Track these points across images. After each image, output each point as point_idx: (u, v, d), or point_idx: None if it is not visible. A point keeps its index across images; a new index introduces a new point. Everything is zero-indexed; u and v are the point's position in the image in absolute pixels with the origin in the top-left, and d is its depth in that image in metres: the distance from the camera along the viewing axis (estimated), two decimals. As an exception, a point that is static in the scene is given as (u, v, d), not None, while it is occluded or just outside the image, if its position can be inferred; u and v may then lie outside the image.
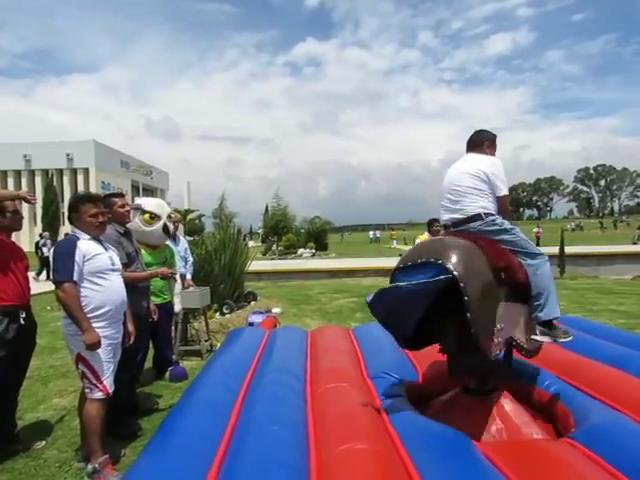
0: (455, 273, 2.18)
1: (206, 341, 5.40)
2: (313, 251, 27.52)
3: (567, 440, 2.22)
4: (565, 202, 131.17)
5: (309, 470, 1.86)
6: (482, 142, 2.88)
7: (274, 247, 28.75)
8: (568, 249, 13.47)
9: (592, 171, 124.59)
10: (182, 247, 5.53)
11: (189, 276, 5.52)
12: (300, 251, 27.17)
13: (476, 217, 2.62)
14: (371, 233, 51.98)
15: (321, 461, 1.91)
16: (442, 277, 2.18)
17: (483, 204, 2.63)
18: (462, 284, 2.17)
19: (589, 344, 3.55)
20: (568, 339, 2.63)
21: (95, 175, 36.99)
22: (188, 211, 19.73)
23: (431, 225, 6.23)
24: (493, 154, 2.89)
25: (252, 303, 8.37)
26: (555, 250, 12.76)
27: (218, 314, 7.30)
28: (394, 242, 37.49)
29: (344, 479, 1.74)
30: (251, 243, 30.60)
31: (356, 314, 7.91)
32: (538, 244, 24.71)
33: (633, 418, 2.32)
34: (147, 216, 4.24)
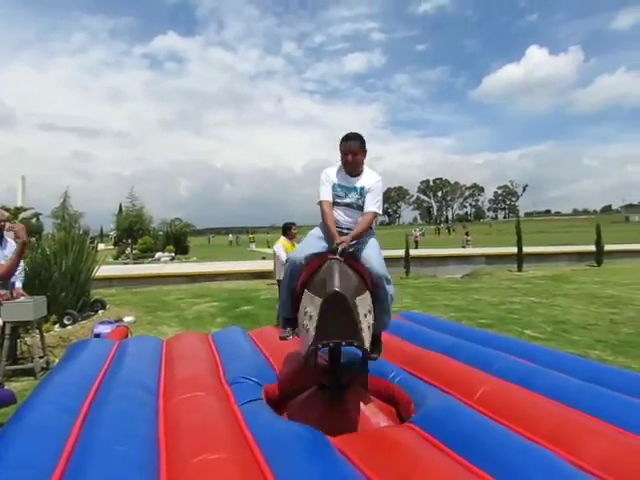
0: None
1: (41, 358, 4.74)
2: (172, 255, 26.16)
3: (408, 425, 2.45)
4: (410, 210, 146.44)
5: (159, 489, 1.74)
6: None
7: (128, 250, 26.61)
8: (412, 252, 15.03)
9: (432, 183, 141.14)
10: (9, 250, 4.75)
11: (19, 284, 4.78)
12: (158, 255, 25.61)
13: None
14: (231, 236, 51.66)
15: (173, 477, 1.80)
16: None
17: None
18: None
19: (427, 336, 3.98)
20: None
21: None
22: (20, 209, 17.11)
23: (287, 229, 6.45)
24: None
25: (100, 312, 7.63)
26: (402, 253, 14.17)
27: (57, 326, 6.50)
28: (252, 245, 37.25)
29: (197, 493, 1.66)
30: (101, 246, 27.90)
31: (217, 319, 7.73)
32: (417, 247, 27.28)
33: (461, 400, 2.66)
34: None
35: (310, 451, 2.01)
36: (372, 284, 2.60)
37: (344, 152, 2.77)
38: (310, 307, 2.39)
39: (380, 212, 2.80)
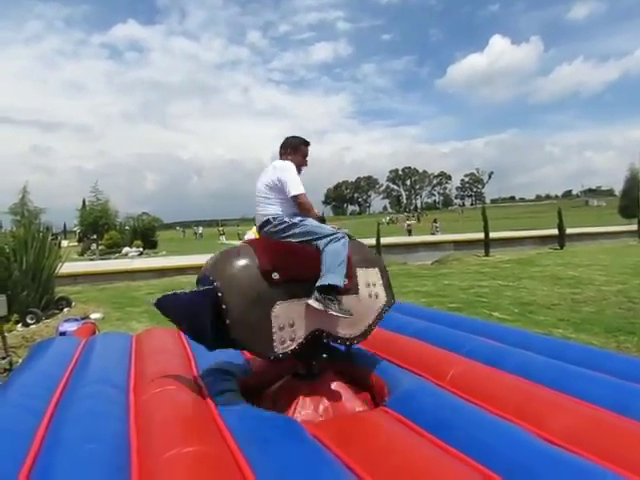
0: (216, 284, 2.35)
1: (3, 359, 4.56)
2: (140, 250, 25.57)
3: (382, 408, 2.48)
4: (380, 199, 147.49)
5: (131, 486, 1.70)
6: (286, 148, 3.01)
7: (94, 246, 25.86)
8: (383, 240, 15.19)
9: (401, 172, 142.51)
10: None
11: (-24, 283, 4.58)
12: (125, 250, 24.96)
13: (266, 222, 2.84)
14: (201, 229, 51.36)
15: (145, 472, 1.76)
16: (209, 287, 2.35)
17: (272, 211, 2.83)
18: (220, 294, 2.33)
19: (399, 321, 4.03)
20: (340, 314, 2.52)
21: None
22: (-24, 206, 16.36)
23: None
24: (295, 159, 2.94)
25: (65, 310, 7.38)
26: (373, 241, 14.29)
27: (20, 326, 6.27)
28: (222, 237, 36.71)
29: (171, 487, 1.64)
30: (65, 243, 27.03)
31: (188, 313, 7.60)
32: (410, 234, 27.57)
33: (433, 381, 2.71)
34: None
35: (285, 439, 2.01)
36: None
37: (306, 155, 3.04)
38: None
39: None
